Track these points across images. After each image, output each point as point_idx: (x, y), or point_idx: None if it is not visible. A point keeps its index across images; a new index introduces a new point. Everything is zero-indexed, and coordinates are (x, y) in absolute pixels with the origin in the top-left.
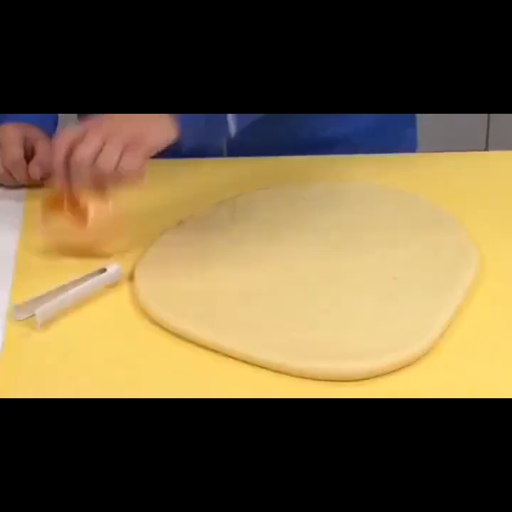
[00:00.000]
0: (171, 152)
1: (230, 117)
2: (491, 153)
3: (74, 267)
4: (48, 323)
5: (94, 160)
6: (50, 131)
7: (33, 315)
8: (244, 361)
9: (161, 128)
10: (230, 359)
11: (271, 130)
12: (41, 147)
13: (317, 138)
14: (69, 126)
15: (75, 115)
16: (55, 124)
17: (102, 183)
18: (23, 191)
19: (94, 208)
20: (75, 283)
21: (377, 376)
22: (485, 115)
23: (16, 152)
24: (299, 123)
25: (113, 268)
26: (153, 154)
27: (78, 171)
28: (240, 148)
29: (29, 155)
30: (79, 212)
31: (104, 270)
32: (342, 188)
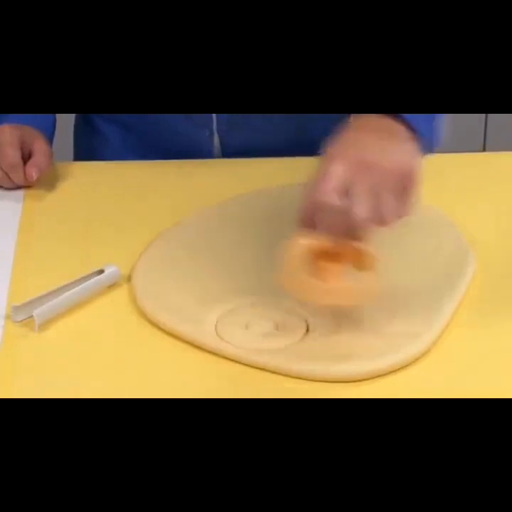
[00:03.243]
0: (165, 153)
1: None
2: (488, 154)
3: (72, 269)
4: (45, 324)
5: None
6: (48, 131)
7: (31, 316)
8: (243, 362)
9: (415, 153)
10: (228, 360)
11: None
12: (38, 149)
13: (307, 138)
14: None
15: (73, 115)
16: (53, 124)
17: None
18: (21, 192)
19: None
20: (73, 284)
21: (376, 377)
22: (482, 115)
23: (14, 155)
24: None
25: (110, 269)
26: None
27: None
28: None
29: (26, 157)
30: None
31: (101, 271)
32: None
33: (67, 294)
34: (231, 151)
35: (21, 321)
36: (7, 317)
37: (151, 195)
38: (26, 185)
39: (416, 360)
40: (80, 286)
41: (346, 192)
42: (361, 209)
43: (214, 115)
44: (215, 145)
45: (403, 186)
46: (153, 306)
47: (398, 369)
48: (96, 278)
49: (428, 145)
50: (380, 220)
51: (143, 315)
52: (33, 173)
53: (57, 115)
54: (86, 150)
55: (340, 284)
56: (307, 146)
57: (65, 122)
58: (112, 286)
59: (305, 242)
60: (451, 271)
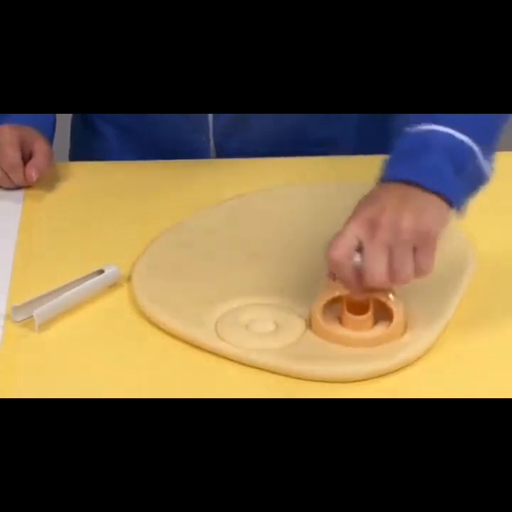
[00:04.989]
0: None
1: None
2: None
3: (72, 269)
4: (45, 324)
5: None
6: (48, 132)
7: (31, 316)
8: (243, 362)
9: (437, 213)
10: (228, 360)
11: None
12: (39, 149)
13: (303, 145)
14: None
15: (72, 115)
16: (53, 124)
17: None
18: (21, 192)
19: (397, 308)
20: (73, 284)
21: (376, 377)
22: None
23: (13, 155)
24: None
25: (110, 269)
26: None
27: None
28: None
29: (26, 157)
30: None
31: (101, 271)
32: (341, 189)
33: (67, 294)
34: (226, 156)
35: (21, 321)
36: (7, 317)
37: (151, 195)
38: (26, 186)
39: (416, 360)
40: (80, 286)
41: (361, 250)
42: (371, 267)
43: (210, 122)
44: (210, 149)
45: (421, 245)
46: (153, 306)
47: (398, 369)
48: (96, 278)
49: (461, 203)
50: (393, 277)
51: (143, 315)
52: (32, 173)
53: (57, 115)
54: (84, 152)
55: (360, 333)
56: (303, 152)
57: (65, 122)
58: (112, 286)
59: (330, 294)
60: (451, 271)
